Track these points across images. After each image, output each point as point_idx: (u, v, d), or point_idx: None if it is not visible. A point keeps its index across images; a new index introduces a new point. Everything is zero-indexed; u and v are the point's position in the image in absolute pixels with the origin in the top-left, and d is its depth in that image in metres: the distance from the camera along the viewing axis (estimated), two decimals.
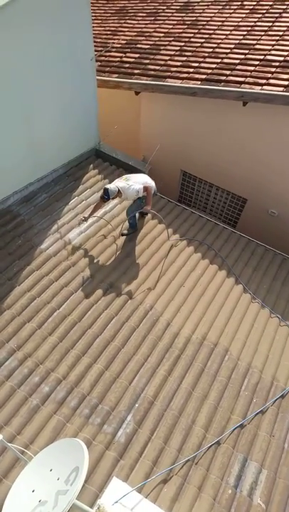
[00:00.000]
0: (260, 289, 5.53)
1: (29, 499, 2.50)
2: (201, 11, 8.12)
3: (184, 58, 7.03)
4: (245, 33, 7.11)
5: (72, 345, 4.45)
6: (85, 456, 2.41)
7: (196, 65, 6.78)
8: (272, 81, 5.94)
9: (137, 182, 5.26)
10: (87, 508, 2.67)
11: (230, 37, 7.15)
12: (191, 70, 6.71)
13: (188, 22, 7.91)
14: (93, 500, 3.32)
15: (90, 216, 5.60)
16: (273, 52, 6.47)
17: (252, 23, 7.27)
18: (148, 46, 7.64)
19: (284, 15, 7.20)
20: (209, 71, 6.54)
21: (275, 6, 7.48)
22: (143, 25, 8.32)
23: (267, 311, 5.28)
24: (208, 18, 7.81)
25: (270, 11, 7.41)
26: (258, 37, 6.89)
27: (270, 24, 7.09)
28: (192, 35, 7.52)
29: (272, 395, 4.39)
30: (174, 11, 8.44)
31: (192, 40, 7.40)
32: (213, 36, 7.31)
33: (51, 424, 3.79)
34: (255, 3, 7.76)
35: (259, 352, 4.77)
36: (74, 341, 4.47)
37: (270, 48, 6.57)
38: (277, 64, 6.21)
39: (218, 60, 6.69)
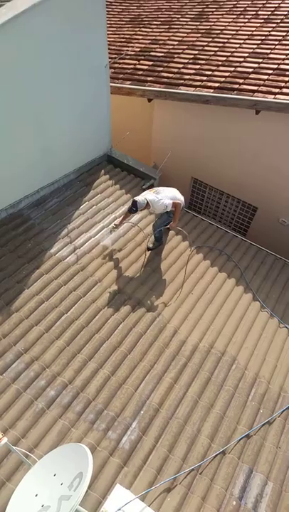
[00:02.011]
0: (269, 299, 5.48)
1: (32, 503, 2.49)
2: (215, 19, 8.17)
3: (198, 66, 7.06)
4: (259, 42, 7.13)
5: (79, 349, 4.45)
6: (89, 462, 2.40)
7: (210, 73, 6.80)
8: (285, 90, 5.94)
9: (166, 196, 5.14)
10: None
11: (244, 46, 7.18)
12: (205, 78, 6.74)
13: (203, 31, 7.96)
14: (96, 506, 3.30)
15: (122, 224, 5.62)
16: (287, 61, 6.47)
17: (266, 33, 7.29)
18: (162, 54, 7.70)
19: None
20: (222, 79, 6.56)
21: None
22: (157, 33, 8.39)
23: (276, 320, 5.23)
24: (223, 27, 7.86)
25: (285, 20, 7.43)
26: (272, 46, 6.91)
27: (285, 34, 7.10)
28: (206, 43, 7.57)
29: (279, 406, 4.33)
30: (188, 19, 8.51)
31: (206, 48, 7.44)
32: (227, 45, 7.34)
33: (56, 429, 3.78)
34: (270, 12, 7.79)
35: (267, 362, 4.72)
36: (81, 346, 4.48)
37: (283, 57, 6.57)
38: None
39: (232, 69, 6.71)
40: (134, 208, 4.98)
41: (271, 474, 3.77)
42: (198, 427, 3.98)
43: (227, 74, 6.64)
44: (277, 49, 6.82)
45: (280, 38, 7.05)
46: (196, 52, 7.43)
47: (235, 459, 3.81)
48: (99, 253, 5.53)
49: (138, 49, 8.13)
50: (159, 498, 3.44)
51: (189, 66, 7.14)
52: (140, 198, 5.02)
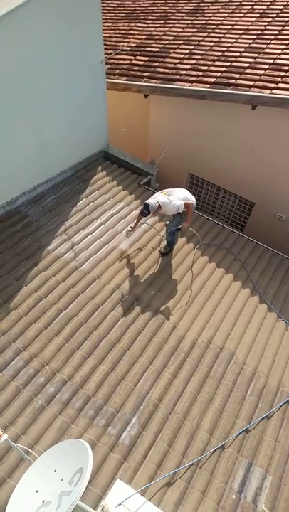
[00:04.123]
0: (267, 294, 5.50)
1: (33, 499, 2.50)
2: (210, 14, 8.13)
3: (193, 61, 7.04)
4: (254, 36, 7.11)
5: (78, 346, 4.45)
6: (89, 458, 2.40)
7: (206, 68, 6.78)
8: (281, 85, 5.92)
9: (178, 197, 5.07)
10: (91, 509, 2.66)
11: (239, 41, 7.15)
12: (200, 73, 6.71)
13: (198, 25, 7.93)
14: (97, 501, 3.32)
15: (136, 227, 5.59)
16: (283, 56, 6.46)
17: (262, 27, 7.26)
18: (157, 49, 7.67)
19: None
20: (218, 74, 6.54)
21: (285, 10, 7.48)
22: (153, 29, 8.35)
23: (274, 315, 5.25)
24: (218, 22, 7.83)
25: (281, 15, 7.41)
26: (268, 41, 6.89)
27: (280, 28, 7.08)
28: (202, 38, 7.54)
29: (278, 401, 4.35)
30: (183, 14, 8.47)
31: (202, 43, 7.42)
32: (223, 40, 7.32)
33: (56, 425, 3.79)
34: (265, 7, 7.76)
35: (265, 356, 4.74)
36: (80, 342, 4.48)
37: (279, 51, 6.56)
38: (286, 68, 6.19)
39: (228, 64, 6.69)
40: (146, 211, 4.93)
41: (270, 468, 3.80)
42: (198, 422, 4.00)
43: (223, 69, 6.62)
44: (273, 43, 6.80)
45: (276, 32, 7.03)
46: (192, 47, 7.40)
47: (235, 453, 3.83)
48: (96, 250, 5.53)
49: (134, 44, 8.09)
50: (159, 493, 3.47)
51: (185, 61, 7.12)
52: (152, 201, 4.94)
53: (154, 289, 5.17)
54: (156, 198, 5.01)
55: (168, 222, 5.49)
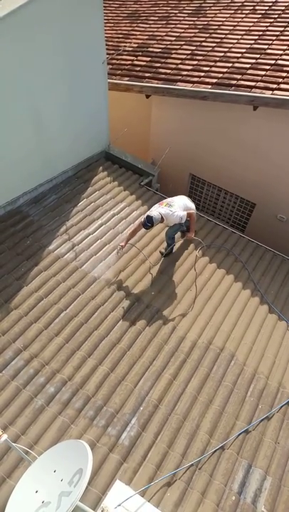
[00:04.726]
0: (267, 295, 5.49)
1: (32, 500, 2.50)
2: (213, 15, 8.14)
3: (195, 62, 7.04)
4: (256, 37, 7.11)
5: (78, 346, 4.45)
6: (89, 459, 2.41)
7: (207, 69, 6.79)
8: (283, 86, 5.92)
9: (179, 207, 5.05)
10: (90, 510, 2.66)
11: (241, 41, 7.15)
12: (202, 73, 6.72)
13: (200, 26, 7.93)
14: (96, 502, 3.32)
15: (127, 243, 5.28)
16: (285, 57, 6.46)
17: (264, 28, 7.27)
18: (159, 50, 7.68)
19: None
20: (220, 75, 6.54)
21: (287, 11, 7.47)
22: (155, 29, 8.35)
23: (274, 316, 5.24)
24: (220, 23, 7.83)
25: (282, 15, 7.41)
26: (270, 41, 6.89)
27: (282, 29, 7.08)
28: (204, 39, 7.54)
29: (278, 402, 4.35)
30: (185, 15, 8.48)
31: (203, 44, 7.42)
32: (225, 40, 7.32)
33: (56, 425, 3.79)
34: (267, 7, 7.76)
35: (266, 357, 4.73)
36: (80, 343, 4.48)
37: (281, 52, 6.56)
38: (288, 69, 6.19)
39: (230, 65, 6.69)
40: (148, 224, 4.86)
41: (270, 469, 3.79)
42: (198, 423, 4.00)
43: (224, 70, 6.62)
44: (274, 44, 6.80)
45: (278, 33, 7.03)
46: (194, 48, 7.40)
47: (235, 455, 3.83)
48: (97, 250, 5.52)
49: (136, 45, 8.09)
50: (158, 494, 3.46)
51: (187, 62, 7.12)
52: (155, 213, 4.87)
53: (154, 290, 5.17)
54: (158, 210, 4.97)
55: (167, 228, 5.44)
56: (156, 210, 5.00)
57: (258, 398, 4.32)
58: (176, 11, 8.72)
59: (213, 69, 6.74)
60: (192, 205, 5.34)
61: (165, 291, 5.18)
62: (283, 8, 7.58)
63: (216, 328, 4.90)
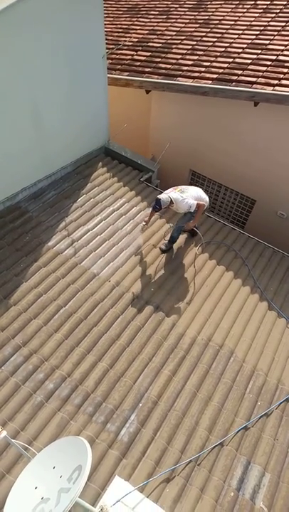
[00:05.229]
0: (267, 292, 5.49)
1: (31, 496, 2.49)
2: (213, 9, 8.07)
3: (196, 57, 6.99)
4: (257, 32, 7.06)
5: (78, 342, 4.45)
6: (88, 456, 2.40)
7: (208, 64, 6.74)
8: (284, 82, 5.89)
9: (191, 196, 5.03)
10: (90, 506, 2.66)
11: (242, 36, 7.10)
12: (203, 69, 6.67)
13: (201, 21, 7.87)
14: (95, 498, 3.33)
15: (150, 220, 5.64)
16: (286, 52, 6.41)
17: (265, 23, 7.21)
18: (160, 44, 7.62)
19: None
20: (221, 70, 6.50)
21: (288, 6, 7.41)
22: (155, 24, 8.29)
23: (273, 313, 5.24)
24: (221, 17, 7.77)
25: (284, 10, 7.35)
26: (271, 37, 6.84)
27: (284, 24, 7.02)
28: (204, 34, 7.48)
29: (277, 399, 4.36)
30: (186, 9, 8.41)
31: (204, 39, 7.36)
32: (226, 35, 7.26)
33: (55, 421, 3.80)
34: (268, 2, 7.69)
35: (265, 354, 4.73)
36: (79, 339, 4.48)
37: (282, 48, 6.51)
38: None
39: (230, 60, 6.65)
40: (157, 206, 4.92)
41: (269, 466, 3.80)
42: (197, 419, 4.00)
43: (225, 65, 6.58)
44: (276, 40, 6.75)
45: (279, 28, 6.98)
46: (194, 42, 7.35)
47: (233, 451, 3.84)
48: (96, 246, 5.51)
49: (136, 39, 8.03)
50: (157, 490, 3.47)
51: (187, 57, 7.07)
52: (164, 196, 4.91)
53: (154, 286, 5.16)
54: (169, 194, 4.98)
55: (179, 218, 5.47)
56: (166, 193, 5.00)
57: (257, 395, 4.33)
58: (177, 5, 8.64)
59: (214, 64, 6.69)
60: (206, 198, 5.29)
61: (165, 288, 5.18)
62: (285, 2, 7.52)
63: (216, 325, 4.90)
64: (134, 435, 3.80)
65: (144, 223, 5.61)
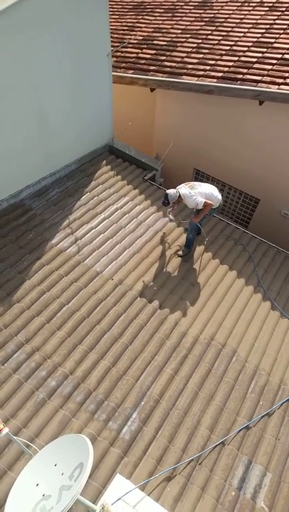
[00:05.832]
0: (270, 291, 5.47)
1: (33, 493, 2.50)
2: (219, 8, 8.03)
3: (201, 55, 6.96)
4: (263, 31, 7.02)
5: (80, 340, 4.46)
6: (89, 454, 2.40)
7: (213, 62, 6.71)
8: None
9: (201, 193, 4.97)
10: (91, 504, 2.67)
11: (248, 35, 7.06)
12: (208, 67, 6.65)
13: (206, 19, 7.83)
14: (96, 495, 3.34)
15: (174, 208, 5.56)
16: None
17: (271, 21, 7.17)
18: (165, 43, 7.60)
19: None
20: (226, 69, 6.47)
21: None
22: (160, 22, 8.26)
23: (276, 313, 5.23)
24: (227, 16, 7.73)
25: None
26: (277, 35, 6.80)
27: None
28: (210, 32, 7.45)
29: (279, 398, 4.35)
30: (192, 7, 8.37)
31: (209, 37, 7.33)
32: (231, 34, 7.23)
33: (57, 419, 3.81)
34: (274, 0, 7.64)
35: (267, 354, 4.72)
36: (82, 337, 4.49)
37: (288, 46, 6.47)
38: None
39: (236, 58, 6.62)
40: (166, 201, 4.98)
41: (270, 465, 3.80)
42: (198, 418, 4.00)
43: (231, 63, 6.55)
44: (281, 38, 6.71)
45: (285, 26, 6.93)
46: (200, 41, 7.32)
47: (235, 450, 3.84)
48: (100, 244, 5.51)
49: (141, 37, 8.01)
50: (158, 488, 3.48)
51: (192, 55, 7.05)
52: (172, 191, 4.96)
53: (157, 285, 5.16)
54: (179, 189, 5.01)
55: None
56: (176, 188, 5.03)
57: (259, 395, 4.32)
58: (182, 3, 8.61)
59: (219, 62, 6.66)
60: (218, 195, 5.13)
61: (167, 287, 5.17)
62: None
63: (218, 324, 4.89)
64: (135, 433, 3.81)
65: (169, 210, 5.55)
